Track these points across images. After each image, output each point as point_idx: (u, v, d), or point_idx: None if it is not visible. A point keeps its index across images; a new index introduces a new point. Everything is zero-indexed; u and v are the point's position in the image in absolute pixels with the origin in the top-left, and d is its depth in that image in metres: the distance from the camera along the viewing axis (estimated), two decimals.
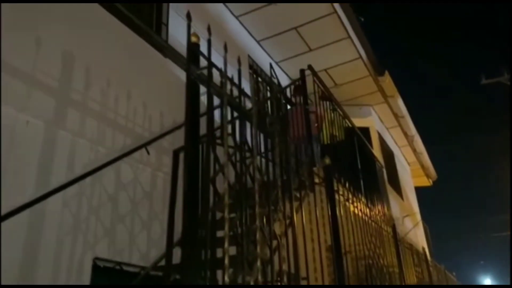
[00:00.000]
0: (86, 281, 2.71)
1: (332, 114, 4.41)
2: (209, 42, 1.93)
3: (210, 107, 1.88)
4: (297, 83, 4.74)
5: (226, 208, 1.69)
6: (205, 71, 1.95)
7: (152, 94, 3.81)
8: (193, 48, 1.92)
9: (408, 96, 9.11)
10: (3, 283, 2.16)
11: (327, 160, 3.61)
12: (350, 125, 5.34)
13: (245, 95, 2.26)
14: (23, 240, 2.40)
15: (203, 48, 1.99)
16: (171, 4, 4.47)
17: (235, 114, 2.41)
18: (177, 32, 4.37)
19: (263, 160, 2.63)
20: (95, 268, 2.82)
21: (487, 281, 42.23)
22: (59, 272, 2.56)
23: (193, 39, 1.98)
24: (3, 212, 2.14)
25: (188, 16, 1.86)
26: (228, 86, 2.30)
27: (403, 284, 5.19)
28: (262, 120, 2.67)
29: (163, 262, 3.19)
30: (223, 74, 2.02)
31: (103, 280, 2.86)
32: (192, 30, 1.98)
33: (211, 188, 1.91)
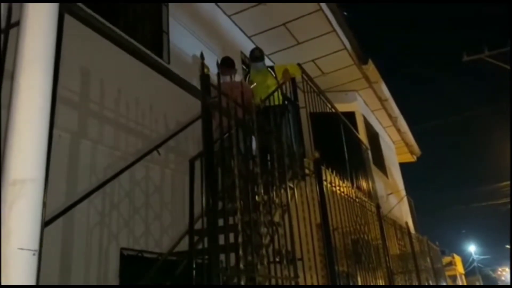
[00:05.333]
0: (115, 268, 3.23)
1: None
2: (218, 75, 2.38)
3: (221, 133, 2.35)
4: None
5: (238, 211, 2.20)
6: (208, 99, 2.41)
7: (156, 100, 4.24)
8: (204, 79, 2.38)
9: (392, 80, 9.62)
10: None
11: (317, 154, 4.14)
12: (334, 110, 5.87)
13: (248, 112, 2.72)
14: (61, 238, 2.88)
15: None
16: (170, 12, 4.84)
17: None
18: (177, 38, 4.76)
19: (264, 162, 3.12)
20: (121, 256, 3.33)
21: (472, 247, 44.26)
22: (91, 262, 3.07)
23: (205, 70, 2.43)
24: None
25: (201, 56, 2.31)
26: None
27: (387, 254, 5.80)
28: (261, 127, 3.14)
29: (176, 248, 3.73)
30: (229, 99, 2.48)
31: (128, 267, 3.37)
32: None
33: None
